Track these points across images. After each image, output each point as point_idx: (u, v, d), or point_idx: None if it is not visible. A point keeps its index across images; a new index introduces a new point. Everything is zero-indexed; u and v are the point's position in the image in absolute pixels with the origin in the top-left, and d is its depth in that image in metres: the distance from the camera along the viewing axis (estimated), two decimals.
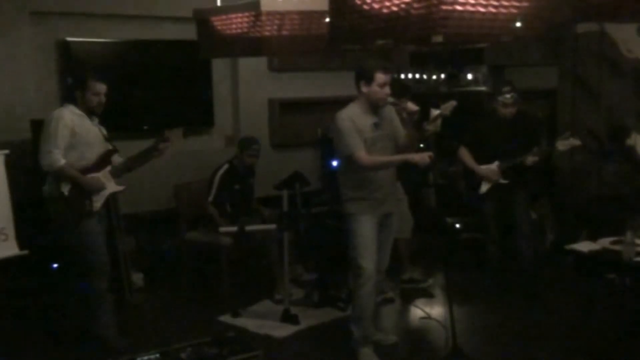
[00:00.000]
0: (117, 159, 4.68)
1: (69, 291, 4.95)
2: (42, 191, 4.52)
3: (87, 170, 4.48)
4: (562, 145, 5.13)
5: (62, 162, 4.35)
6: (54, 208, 4.49)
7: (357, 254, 4.30)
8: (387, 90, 4.20)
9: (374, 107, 4.27)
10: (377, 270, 4.36)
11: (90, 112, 4.51)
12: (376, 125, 4.27)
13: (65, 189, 4.40)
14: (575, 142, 5.11)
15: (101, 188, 4.53)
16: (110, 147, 4.63)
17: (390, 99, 4.31)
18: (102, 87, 4.50)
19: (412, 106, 4.33)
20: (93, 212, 4.51)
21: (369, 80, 4.18)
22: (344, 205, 4.40)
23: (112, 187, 4.63)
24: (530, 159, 5.25)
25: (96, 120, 4.59)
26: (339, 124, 4.22)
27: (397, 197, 4.61)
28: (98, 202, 4.54)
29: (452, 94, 7.19)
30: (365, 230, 4.30)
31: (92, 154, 4.51)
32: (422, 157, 4.14)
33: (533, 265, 5.50)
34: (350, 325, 4.44)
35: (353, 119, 4.21)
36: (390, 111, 4.39)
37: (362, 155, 4.17)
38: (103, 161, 4.58)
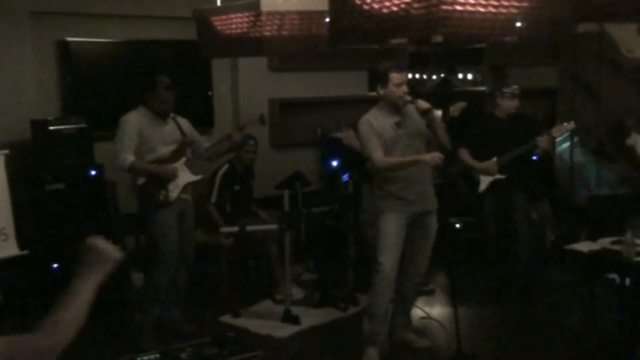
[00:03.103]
0: (202, 144, 4.85)
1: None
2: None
3: (162, 161, 4.64)
4: (556, 131, 5.16)
5: (130, 159, 4.51)
6: (137, 199, 4.70)
7: (378, 250, 4.36)
8: (404, 89, 4.27)
9: (395, 107, 4.33)
10: (400, 270, 4.42)
11: (162, 112, 4.67)
12: (398, 125, 4.33)
13: (140, 181, 4.58)
14: (570, 126, 5.12)
15: (174, 175, 4.63)
16: (183, 142, 4.74)
17: (407, 97, 4.33)
18: (170, 95, 4.68)
19: (423, 104, 4.30)
20: (169, 202, 4.62)
21: (385, 82, 4.27)
22: (375, 202, 4.47)
23: (187, 177, 4.73)
24: (539, 150, 5.22)
25: (170, 117, 4.73)
26: (359, 128, 4.39)
27: (432, 199, 4.53)
28: (174, 191, 4.64)
29: (452, 93, 7.19)
30: (389, 229, 4.33)
31: (163, 150, 4.66)
32: (433, 158, 4.18)
33: (532, 268, 5.50)
34: (363, 319, 4.50)
35: (371, 122, 4.33)
36: (414, 109, 4.38)
37: (377, 156, 4.27)
38: (178, 153, 4.72)
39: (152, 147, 4.63)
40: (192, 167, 4.77)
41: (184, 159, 4.73)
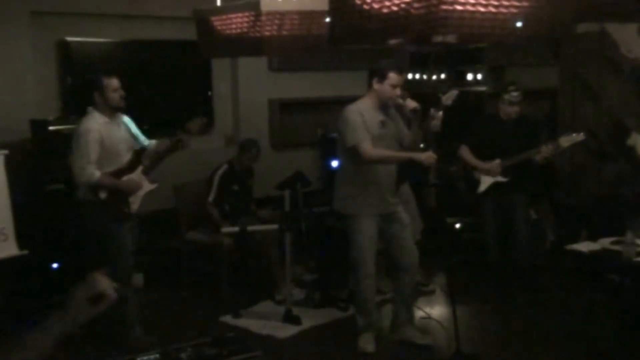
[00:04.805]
0: (143, 142, 4.69)
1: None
2: (76, 196, 4.52)
3: (120, 172, 4.50)
4: (565, 141, 5.10)
5: (97, 175, 4.36)
6: (89, 213, 4.48)
7: (355, 252, 4.46)
8: (397, 91, 4.30)
9: (383, 105, 4.36)
10: (396, 269, 4.55)
11: (114, 110, 4.51)
12: (383, 124, 4.37)
13: (103, 195, 4.41)
14: (578, 137, 5.07)
15: (139, 188, 4.55)
16: (136, 147, 4.62)
17: (399, 100, 4.34)
18: (117, 82, 4.51)
19: (411, 103, 4.34)
20: (131, 214, 4.53)
21: (382, 78, 4.29)
22: (342, 204, 4.49)
23: (146, 186, 4.64)
24: (540, 157, 5.17)
25: (121, 119, 4.59)
26: (348, 115, 4.33)
27: (402, 199, 4.70)
28: (135, 203, 4.57)
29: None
30: (364, 230, 4.41)
31: (123, 158, 4.54)
32: (428, 157, 4.21)
33: (532, 267, 5.49)
34: (355, 314, 4.68)
35: (362, 112, 4.33)
36: (395, 112, 4.47)
37: (367, 146, 4.26)
38: (134, 162, 4.60)
39: (114, 156, 4.47)
40: (148, 175, 4.64)
41: (140, 168, 4.60)
